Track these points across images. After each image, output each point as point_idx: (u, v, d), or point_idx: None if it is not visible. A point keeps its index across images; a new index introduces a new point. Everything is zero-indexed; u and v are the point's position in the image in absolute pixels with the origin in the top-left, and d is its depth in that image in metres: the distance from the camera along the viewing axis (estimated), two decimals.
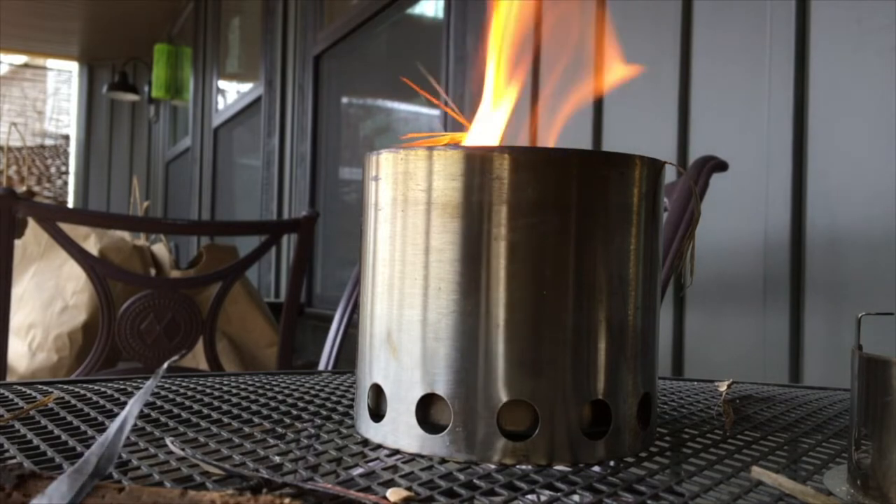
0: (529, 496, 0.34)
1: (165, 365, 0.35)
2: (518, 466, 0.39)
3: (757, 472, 0.36)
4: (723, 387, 0.55)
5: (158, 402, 0.52)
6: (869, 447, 0.34)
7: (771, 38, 1.21)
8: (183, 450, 0.38)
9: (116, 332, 1.37)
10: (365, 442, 0.43)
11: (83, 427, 0.44)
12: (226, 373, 0.71)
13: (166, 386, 0.59)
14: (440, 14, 2.34)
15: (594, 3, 1.57)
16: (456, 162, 0.40)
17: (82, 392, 0.55)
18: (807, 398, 0.61)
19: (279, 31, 3.61)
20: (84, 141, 7.29)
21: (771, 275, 1.19)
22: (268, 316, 2.09)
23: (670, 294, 1.34)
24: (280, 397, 0.55)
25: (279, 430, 0.45)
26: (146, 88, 6.25)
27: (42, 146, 8.40)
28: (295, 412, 0.50)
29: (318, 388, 0.60)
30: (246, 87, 4.38)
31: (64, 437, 0.42)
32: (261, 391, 0.58)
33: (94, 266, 1.36)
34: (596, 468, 0.39)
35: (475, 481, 0.36)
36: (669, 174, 1.23)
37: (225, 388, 0.58)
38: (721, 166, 1.03)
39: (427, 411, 0.41)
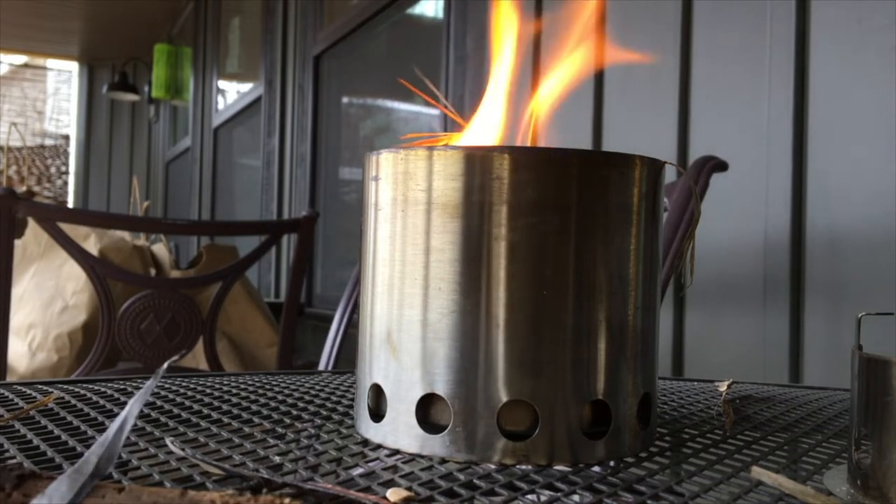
0: (529, 496, 0.34)
1: (165, 365, 0.35)
2: (518, 466, 0.39)
3: (757, 472, 0.36)
4: (723, 387, 0.55)
5: (158, 402, 0.52)
6: (869, 447, 0.34)
7: (771, 38, 1.21)
8: (183, 450, 0.38)
9: (116, 332, 1.37)
10: (365, 442, 0.43)
11: (83, 427, 0.44)
12: (226, 373, 0.71)
13: (166, 386, 0.59)
14: (440, 14, 2.34)
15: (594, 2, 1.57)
16: (456, 162, 0.40)
17: (82, 392, 0.55)
18: (807, 398, 0.61)
19: (279, 31, 3.61)
20: (84, 141, 7.29)
21: (771, 275, 1.19)
22: (268, 316, 2.09)
23: (670, 294, 1.34)
24: (280, 397, 0.55)
25: (279, 430, 0.45)
26: (146, 88, 6.25)
27: (42, 146, 8.40)
28: (295, 412, 0.50)
29: (318, 388, 0.60)
30: (246, 87, 4.38)
31: (64, 437, 0.42)
32: (261, 391, 0.58)
33: (94, 266, 1.36)
34: (596, 468, 0.39)
35: (475, 481, 0.36)
36: (669, 174, 1.23)
37: (225, 388, 0.58)
38: (721, 166, 1.03)
39: (427, 411, 0.41)
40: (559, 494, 0.34)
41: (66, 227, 1.37)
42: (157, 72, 5.67)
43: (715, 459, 0.41)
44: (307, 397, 0.56)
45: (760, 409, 0.56)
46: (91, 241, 1.81)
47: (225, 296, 1.47)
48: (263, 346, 2.05)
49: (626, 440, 0.41)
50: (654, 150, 0.50)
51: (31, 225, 1.92)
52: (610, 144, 1.54)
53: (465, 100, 2.03)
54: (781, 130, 1.18)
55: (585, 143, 1.57)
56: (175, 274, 1.96)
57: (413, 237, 0.40)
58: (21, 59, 8.55)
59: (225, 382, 0.61)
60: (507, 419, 0.39)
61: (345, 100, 3.24)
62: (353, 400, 0.55)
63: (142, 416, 0.48)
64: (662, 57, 1.40)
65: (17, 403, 0.50)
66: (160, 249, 2.04)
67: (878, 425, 0.34)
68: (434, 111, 2.47)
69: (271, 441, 0.43)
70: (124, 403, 0.51)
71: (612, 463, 0.40)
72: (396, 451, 0.41)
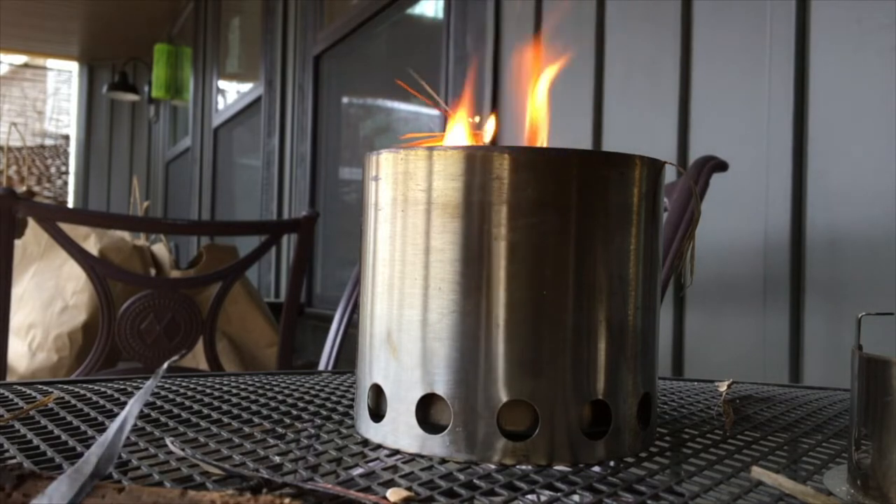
0: (529, 496, 0.34)
1: (165, 365, 0.35)
2: (518, 466, 0.39)
3: (757, 472, 0.36)
4: (723, 387, 0.55)
5: (158, 402, 0.52)
6: (869, 447, 0.34)
7: (771, 38, 1.21)
8: (183, 450, 0.38)
9: (116, 332, 1.37)
10: (365, 442, 0.43)
11: (83, 427, 0.44)
12: (226, 373, 0.71)
13: (166, 386, 0.59)
14: (440, 14, 2.34)
15: (594, 2, 1.57)
16: (456, 162, 0.40)
17: (82, 392, 0.55)
18: (807, 398, 0.61)
19: (279, 31, 3.61)
20: (84, 141, 7.29)
21: (771, 275, 1.19)
22: (268, 316, 2.09)
23: (670, 294, 1.34)
24: (280, 397, 0.55)
25: (279, 430, 0.45)
26: (146, 88, 6.25)
27: (42, 146, 8.39)
28: (295, 412, 0.50)
29: (318, 388, 0.60)
30: (246, 87, 4.38)
31: (64, 437, 0.42)
32: (261, 391, 0.58)
33: (94, 266, 1.36)
34: (596, 468, 0.39)
35: (475, 481, 0.36)
36: (669, 174, 1.23)
37: (225, 388, 0.58)
38: (721, 166, 1.03)
39: (427, 411, 0.41)
40: (559, 494, 0.34)
41: (66, 227, 1.37)
42: (157, 72, 5.67)
43: (715, 459, 0.41)
44: (307, 397, 0.56)
45: (760, 409, 0.56)
46: (91, 241, 1.81)
47: (225, 296, 1.47)
48: (263, 346, 2.05)
49: (626, 440, 0.41)
50: (654, 150, 0.50)
51: (31, 225, 1.92)
52: (610, 144, 1.54)
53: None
54: (781, 130, 1.18)
55: (585, 143, 1.57)
56: (175, 274, 1.96)
57: (413, 237, 0.40)
58: (21, 59, 8.55)
59: (225, 382, 0.61)
60: (507, 419, 0.39)
61: (345, 100, 3.24)
62: (353, 400, 0.55)
63: (142, 416, 0.48)
64: (662, 57, 1.40)
65: (17, 403, 0.50)
66: (160, 249, 2.04)
67: (878, 425, 0.34)
68: (434, 111, 2.47)
69: (271, 441, 0.43)
70: (124, 403, 0.51)
71: (612, 463, 0.40)
72: (396, 451, 0.41)
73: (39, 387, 0.57)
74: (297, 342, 2.81)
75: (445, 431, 0.39)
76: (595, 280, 0.40)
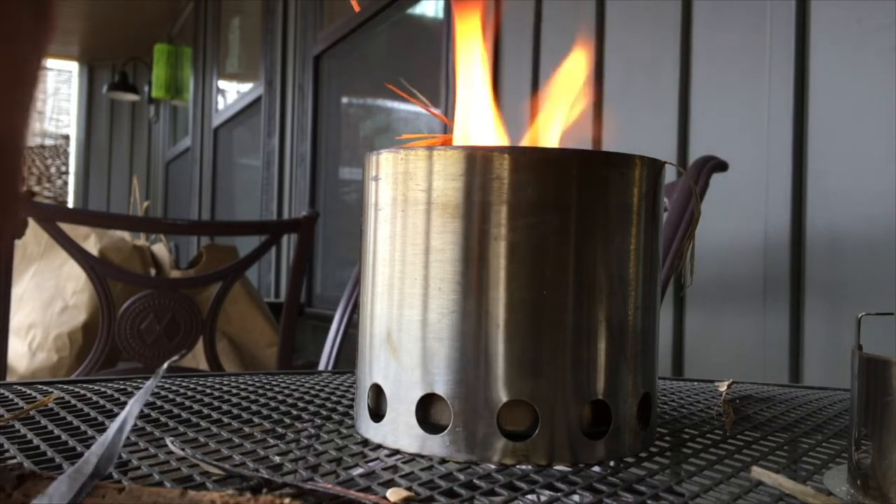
0: (529, 496, 0.34)
1: (165, 365, 0.35)
2: (518, 466, 0.39)
3: (757, 472, 0.36)
4: (723, 387, 0.55)
5: (158, 402, 0.52)
6: (869, 447, 0.34)
7: (771, 38, 1.21)
8: (183, 450, 0.38)
9: (116, 332, 1.37)
10: (365, 442, 0.43)
11: (83, 427, 0.44)
12: (226, 373, 0.71)
13: (166, 386, 0.59)
14: (440, 14, 2.34)
15: (594, 2, 1.57)
16: (456, 162, 0.40)
17: (82, 392, 0.55)
18: (807, 398, 0.61)
19: (279, 31, 3.61)
20: (84, 141, 7.29)
21: (771, 275, 1.19)
22: (268, 316, 2.09)
23: (670, 294, 1.34)
24: (280, 397, 0.55)
25: (279, 430, 0.45)
26: (146, 88, 6.25)
27: (42, 146, 8.39)
28: (295, 412, 0.50)
29: (318, 388, 0.60)
30: (246, 87, 4.39)
31: (64, 437, 0.42)
32: (261, 391, 0.58)
33: (94, 266, 1.37)
34: (596, 468, 0.39)
35: (475, 481, 0.36)
36: (669, 174, 1.23)
37: (225, 388, 0.58)
38: (721, 166, 1.03)
39: (427, 411, 0.41)
40: (559, 494, 0.34)
41: (66, 227, 1.37)
42: (157, 72, 5.67)
43: (715, 459, 0.41)
44: (307, 397, 0.56)
45: (760, 409, 0.56)
46: (91, 241, 1.82)
47: (225, 296, 1.47)
48: (263, 346, 2.05)
49: (626, 440, 0.41)
50: (654, 150, 0.50)
51: (31, 225, 1.91)
52: (610, 144, 1.54)
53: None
54: (781, 130, 1.18)
55: (585, 143, 1.57)
56: (175, 274, 1.96)
57: (413, 237, 0.40)
58: None
59: (225, 382, 0.61)
60: (507, 419, 0.39)
61: (345, 100, 3.24)
62: (353, 400, 0.55)
63: (142, 416, 0.48)
64: (662, 57, 1.40)
65: (17, 403, 0.50)
66: (160, 249, 2.04)
67: (878, 425, 0.34)
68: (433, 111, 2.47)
69: (271, 441, 0.43)
70: (124, 403, 0.51)
71: (612, 463, 0.40)
72: (396, 451, 0.41)
73: (39, 387, 0.57)
74: (297, 342, 2.81)
75: (445, 431, 0.39)
76: (595, 280, 0.40)
